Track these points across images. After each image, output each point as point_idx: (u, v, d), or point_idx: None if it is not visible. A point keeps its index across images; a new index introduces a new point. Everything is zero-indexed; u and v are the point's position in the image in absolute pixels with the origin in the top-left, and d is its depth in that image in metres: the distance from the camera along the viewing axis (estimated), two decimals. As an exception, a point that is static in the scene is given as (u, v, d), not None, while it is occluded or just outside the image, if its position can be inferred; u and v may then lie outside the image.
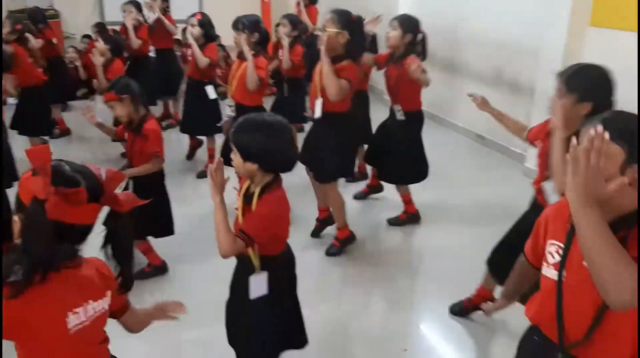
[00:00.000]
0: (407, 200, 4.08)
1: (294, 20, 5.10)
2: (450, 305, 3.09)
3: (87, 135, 6.06)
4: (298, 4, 6.39)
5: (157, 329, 1.79)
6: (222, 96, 7.46)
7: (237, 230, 1.95)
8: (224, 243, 1.91)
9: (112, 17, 9.38)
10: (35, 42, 4.98)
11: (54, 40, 5.91)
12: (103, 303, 1.46)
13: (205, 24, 4.74)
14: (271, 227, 1.98)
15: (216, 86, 7.48)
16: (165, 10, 6.19)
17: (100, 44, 4.84)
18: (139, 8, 5.95)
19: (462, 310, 3.04)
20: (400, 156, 3.82)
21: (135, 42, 5.77)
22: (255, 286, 2.06)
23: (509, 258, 1.90)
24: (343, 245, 3.70)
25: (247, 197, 2.02)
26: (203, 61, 4.68)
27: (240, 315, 2.16)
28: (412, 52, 3.59)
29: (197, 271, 3.49)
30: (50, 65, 5.55)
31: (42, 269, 1.28)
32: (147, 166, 3.10)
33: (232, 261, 2.17)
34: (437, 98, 5.99)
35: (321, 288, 3.38)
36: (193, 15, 4.79)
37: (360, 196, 4.48)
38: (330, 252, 3.67)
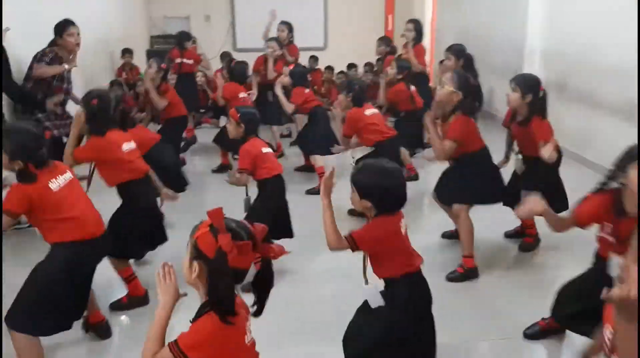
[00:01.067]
0: (530, 224, 4.04)
1: (401, 66, 5.53)
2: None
3: (210, 146, 6.43)
4: (406, 44, 6.46)
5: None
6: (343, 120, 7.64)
7: (347, 235, 2.24)
8: (331, 238, 2.25)
9: (243, 44, 10.01)
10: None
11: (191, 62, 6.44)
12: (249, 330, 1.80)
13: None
14: (377, 238, 2.23)
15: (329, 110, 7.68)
16: (290, 41, 6.66)
17: (225, 73, 5.68)
18: (280, 45, 6.44)
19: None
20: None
21: (271, 74, 6.28)
22: (371, 298, 2.30)
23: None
24: (466, 274, 3.62)
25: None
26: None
27: (369, 326, 2.32)
28: (535, 112, 3.50)
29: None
30: (183, 80, 6.07)
31: (232, 304, 1.66)
32: (233, 178, 3.52)
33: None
34: (568, 131, 5.68)
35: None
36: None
37: (511, 234, 4.27)
38: (451, 277, 3.62)
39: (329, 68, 8.91)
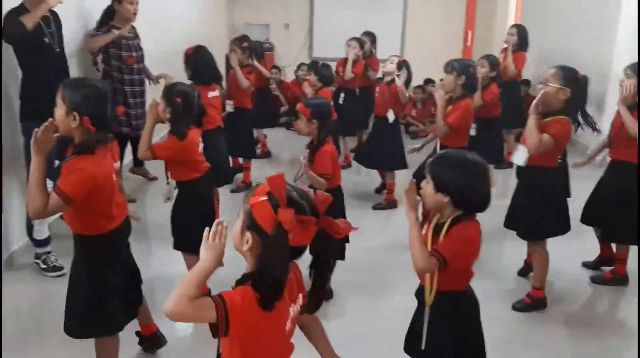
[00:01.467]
0: (621, 259, 3.77)
1: (492, 62, 5.21)
2: None
3: (282, 156, 6.50)
4: (505, 49, 6.23)
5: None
6: (413, 134, 7.56)
7: (431, 249, 1.99)
8: (418, 257, 1.97)
9: (319, 53, 10.08)
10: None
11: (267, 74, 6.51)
12: (297, 305, 1.60)
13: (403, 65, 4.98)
14: (464, 252, 2.01)
15: (409, 125, 7.58)
16: (371, 52, 6.60)
17: (312, 77, 5.44)
18: (361, 45, 6.28)
19: None
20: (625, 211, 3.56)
21: (348, 74, 6.10)
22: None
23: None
24: (534, 304, 3.47)
25: (437, 228, 2.06)
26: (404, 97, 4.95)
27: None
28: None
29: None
30: (260, 94, 6.12)
31: (281, 288, 1.46)
32: (315, 180, 3.17)
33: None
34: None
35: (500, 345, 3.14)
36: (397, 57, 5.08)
37: (590, 266, 4.06)
38: (517, 306, 3.48)
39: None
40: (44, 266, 3.73)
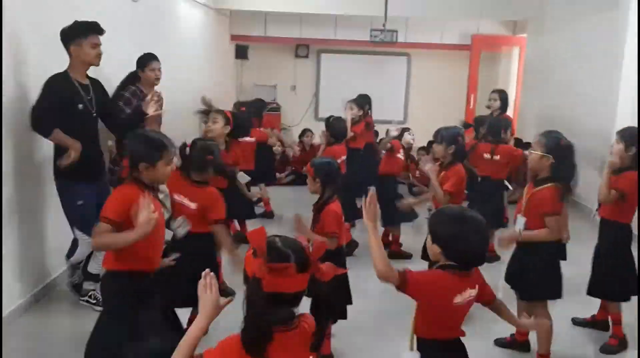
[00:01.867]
0: (616, 320, 3.72)
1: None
2: None
3: (285, 216, 6.51)
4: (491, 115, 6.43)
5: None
6: (417, 195, 7.58)
7: (402, 270, 2.06)
8: (378, 260, 2.05)
9: (325, 114, 10.28)
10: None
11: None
12: None
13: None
14: (427, 289, 2.06)
15: (413, 185, 7.62)
16: (367, 113, 6.74)
17: (327, 134, 5.53)
18: (360, 106, 6.51)
19: None
20: (605, 270, 3.63)
21: (348, 134, 6.19)
22: None
23: None
24: None
25: None
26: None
27: None
28: (634, 165, 3.52)
29: None
30: (261, 150, 6.23)
31: (262, 335, 1.50)
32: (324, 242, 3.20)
33: None
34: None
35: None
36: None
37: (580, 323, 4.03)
38: None
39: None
40: (94, 301, 3.87)
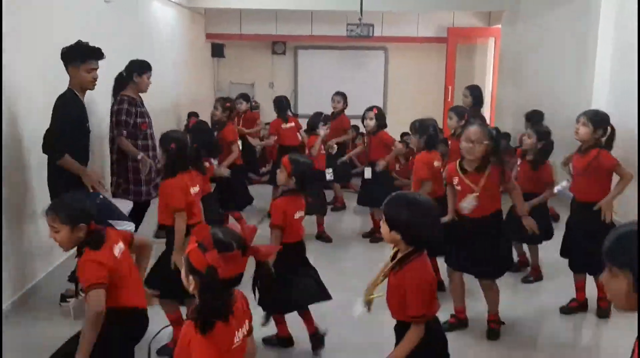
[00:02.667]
0: (580, 287, 4.00)
1: (460, 113, 5.38)
2: None
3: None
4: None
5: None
6: (398, 188, 7.61)
7: (409, 317, 2.17)
8: (411, 344, 2.18)
9: (304, 110, 10.27)
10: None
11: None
12: (245, 329, 1.87)
13: (380, 117, 5.51)
14: (426, 295, 2.18)
15: (394, 179, 7.71)
16: (342, 110, 6.85)
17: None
18: (345, 99, 6.80)
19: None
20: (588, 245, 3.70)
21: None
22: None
23: None
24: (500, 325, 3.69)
25: (395, 261, 2.27)
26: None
27: None
28: (600, 145, 3.76)
29: None
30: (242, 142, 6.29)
31: (217, 316, 1.72)
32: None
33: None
34: (631, 205, 5.45)
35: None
36: (370, 109, 5.54)
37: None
38: (490, 337, 3.64)
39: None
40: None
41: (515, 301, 4.16)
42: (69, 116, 3.69)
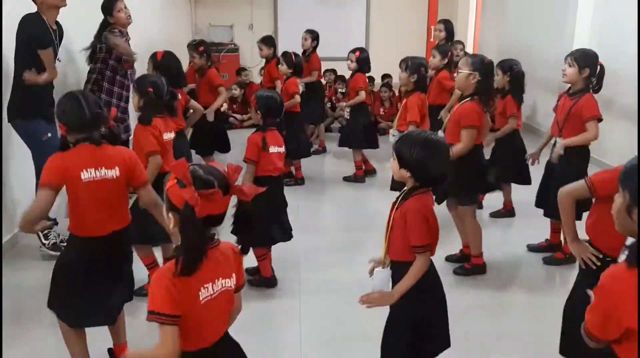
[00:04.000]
0: (555, 228, 4.05)
1: (443, 51, 5.49)
2: None
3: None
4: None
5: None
6: (382, 131, 7.62)
7: (413, 248, 2.17)
8: (418, 274, 2.18)
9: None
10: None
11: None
12: (230, 282, 1.77)
13: (361, 60, 5.48)
14: (424, 226, 2.19)
15: (378, 122, 7.71)
16: (313, 49, 6.63)
17: (284, 67, 5.58)
18: (314, 37, 6.55)
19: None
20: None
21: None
22: (380, 282, 2.26)
23: None
24: (473, 270, 3.75)
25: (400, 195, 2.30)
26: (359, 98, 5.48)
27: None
28: (588, 89, 3.62)
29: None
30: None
31: (199, 255, 1.65)
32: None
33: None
34: (613, 147, 5.52)
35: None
36: (353, 51, 5.49)
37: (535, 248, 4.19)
38: (458, 272, 3.74)
39: (370, 78, 8.89)
40: (45, 241, 3.87)
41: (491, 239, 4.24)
42: (30, 35, 3.61)
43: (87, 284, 2.46)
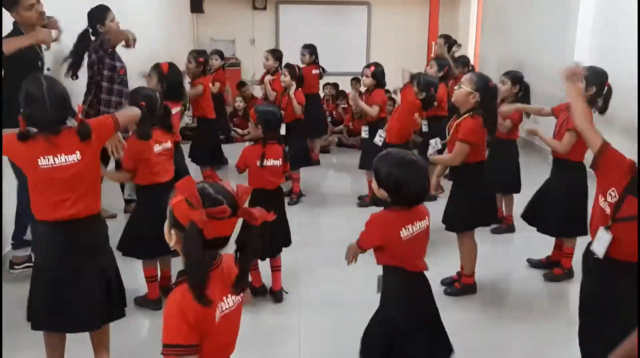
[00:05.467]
0: (568, 253, 3.92)
1: (441, 64, 5.72)
2: None
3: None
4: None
5: None
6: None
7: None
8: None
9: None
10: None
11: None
12: (234, 300, 1.69)
13: (377, 75, 5.38)
14: (371, 233, 2.29)
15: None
16: (314, 61, 6.65)
17: (287, 78, 5.57)
18: (311, 52, 6.58)
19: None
20: (557, 207, 3.76)
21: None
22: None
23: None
24: (464, 290, 3.69)
25: None
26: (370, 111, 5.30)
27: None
28: (593, 105, 3.53)
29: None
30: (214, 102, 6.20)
31: (203, 277, 1.54)
32: None
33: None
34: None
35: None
36: (368, 66, 5.50)
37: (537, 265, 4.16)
38: (449, 292, 3.68)
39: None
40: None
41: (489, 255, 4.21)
42: (19, 57, 3.44)
43: (61, 279, 2.40)
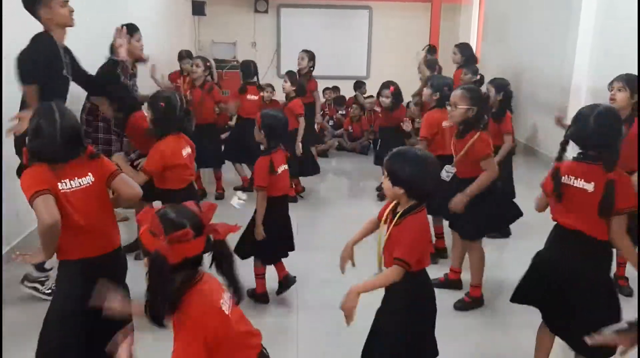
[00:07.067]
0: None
1: (438, 84, 5.54)
2: None
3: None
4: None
5: None
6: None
7: (392, 259, 2.16)
8: (387, 279, 2.17)
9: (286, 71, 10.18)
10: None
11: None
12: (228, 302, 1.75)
13: (396, 95, 5.35)
14: (420, 247, 2.21)
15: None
16: (310, 70, 6.38)
17: (288, 85, 5.58)
18: (310, 57, 6.38)
19: None
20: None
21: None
22: None
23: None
24: (473, 303, 3.62)
25: (395, 215, 2.28)
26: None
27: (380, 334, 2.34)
28: (635, 113, 3.43)
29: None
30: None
31: (164, 302, 1.59)
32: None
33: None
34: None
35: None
36: (387, 86, 5.38)
37: None
38: (457, 306, 3.61)
39: (370, 97, 8.95)
40: (47, 290, 3.52)
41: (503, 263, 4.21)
42: (41, 54, 3.26)
43: (84, 325, 2.20)
